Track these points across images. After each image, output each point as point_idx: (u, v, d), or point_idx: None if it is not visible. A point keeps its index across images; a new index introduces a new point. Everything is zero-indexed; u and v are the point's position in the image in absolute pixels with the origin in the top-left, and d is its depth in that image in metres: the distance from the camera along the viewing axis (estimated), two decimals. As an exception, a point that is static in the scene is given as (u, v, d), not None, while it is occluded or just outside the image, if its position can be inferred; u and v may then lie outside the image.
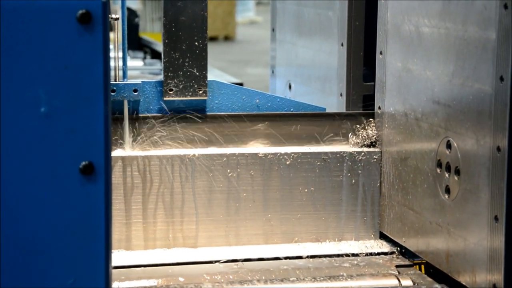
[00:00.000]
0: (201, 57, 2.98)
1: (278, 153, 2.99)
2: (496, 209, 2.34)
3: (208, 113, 3.02)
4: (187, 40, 2.96)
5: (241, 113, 3.04)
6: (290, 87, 4.02)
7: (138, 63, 6.78)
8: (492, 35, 2.34)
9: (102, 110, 1.94)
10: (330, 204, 3.04)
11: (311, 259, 2.93)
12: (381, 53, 3.01)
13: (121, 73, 2.95)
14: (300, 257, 2.94)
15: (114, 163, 2.86)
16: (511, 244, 2.31)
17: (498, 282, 2.35)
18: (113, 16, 2.82)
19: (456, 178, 2.54)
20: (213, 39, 20.48)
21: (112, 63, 2.79)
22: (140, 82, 2.97)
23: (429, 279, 2.75)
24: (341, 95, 3.40)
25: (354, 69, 3.36)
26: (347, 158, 3.03)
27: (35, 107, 1.92)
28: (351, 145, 3.08)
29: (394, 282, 2.74)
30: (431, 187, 2.69)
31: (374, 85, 3.08)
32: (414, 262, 2.88)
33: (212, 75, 3.14)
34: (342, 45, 3.39)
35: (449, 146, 2.58)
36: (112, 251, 2.36)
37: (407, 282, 2.74)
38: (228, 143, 3.02)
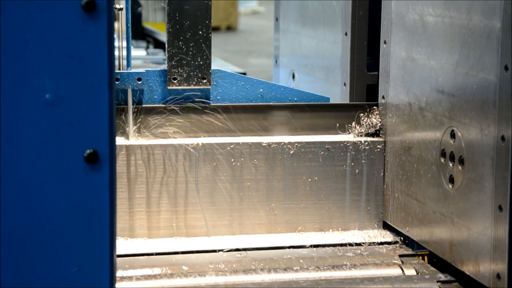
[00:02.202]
0: (205, 46, 2.98)
1: (281, 142, 2.99)
2: (500, 198, 2.34)
3: (212, 103, 3.03)
4: (191, 29, 2.96)
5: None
6: (293, 76, 4.02)
7: (141, 52, 6.78)
8: (497, 24, 2.33)
9: (107, 99, 1.94)
10: (334, 194, 3.04)
11: (314, 249, 2.93)
12: (385, 42, 3.01)
13: (124, 62, 2.95)
14: (303, 247, 2.94)
15: (118, 152, 2.87)
16: (515, 233, 2.32)
17: (501, 272, 2.35)
18: (117, 6, 2.82)
19: (460, 167, 2.54)
20: (216, 29, 20.46)
21: (116, 53, 2.79)
22: (144, 71, 2.97)
23: (433, 268, 2.75)
24: (344, 84, 3.40)
25: (358, 58, 3.36)
26: (350, 147, 3.03)
27: (40, 96, 1.92)
28: (355, 135, 3.08)
29: (398, 271, 2.74)
30: (435, 176, 2.69)
31: (378, 75, 3.08)
32: (417, 253, 2.88)
33: (216, 65, 3.13)
34: (346, 34, 3.39)
35: (453, 135, 2.58)
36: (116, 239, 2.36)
37: (410, 271, 2.74)
38: (232, 132, 3.02)
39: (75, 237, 1.97)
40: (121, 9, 2.86)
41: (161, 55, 6.56)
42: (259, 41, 18.52)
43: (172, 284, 2.60)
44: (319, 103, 3.12)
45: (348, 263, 2.78)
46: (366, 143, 3.04)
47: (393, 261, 2.82)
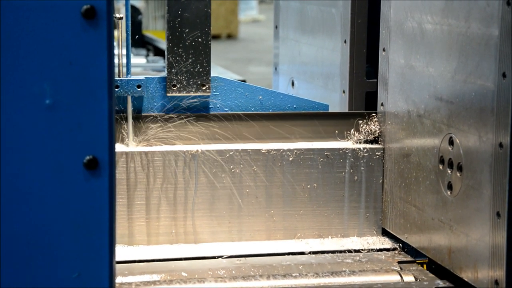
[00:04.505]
0: (205, 53, 2.99)
1: (281, 149, 3.00)
2: (498, 205, 2.35)
3: (211, 112, 3.04)
4: (190, 36, 2.97)
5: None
6: (293, 84, 4.03)
7: (141, 60, 6.79)
8: (495, 31, 2.35)
9: (106, 105, 1.95)
10: (333, 201, 3.05)
11: (313, 255, 2.94)
12: (384, 50, 3.02)
13: (124, 69, 2.97)
14: (302, 253, 2.95)
15: (117, 159, 2.87)
16: (513, 240, 2.33)
17: (500, 278, 2.36)
18: (117, 15, 2.83)
19: (458, 174, 2.55)
20: (216, 37, 20.47)
21: (115, 60, 2.79)
22: (144, 78, 2.98)
23: (431, 275, 2.76)
24: (344, 92, 3.41)
25: (357, 66, 3.37)
26: (349, 154, 3.04)
27: (39, 102, 1.93)
28: (354, 142, 3.09)
29: (396, 278, 2.74)
30: (434, 183, 2.70)
31: (377, 82, 3.09)
32: (417, 261, 2.88)
33: (215, 72, 3.14)
34: (345, 42, 3.40)
35: (451, 142, 2.59)
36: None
37: (409, 278, 2.74)
38: (231, 139, 3.03)
39: (74, 243, 1.98)
40: (121, 18, 2.87)
41: (161, 62, 6.58)
42: (259, 49, 18.53)
43: (171, 291, 2.61)
44: (318, 111, 3.13)
45: (347, 270, 2.79)
46: (365, 150, 3.05)
47: (392, 267, 2.83)
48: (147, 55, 7.17)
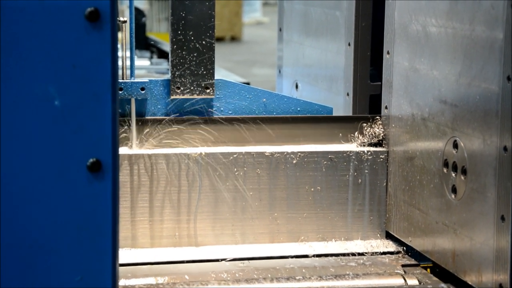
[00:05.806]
0: (208, 55, 2.99)
1: (284, 152, 2.99)
2: (503, 208, 2.34)
3: (214, 114, 3.03)
4: (194, 38, 2.97)
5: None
6: (297, 86, 4.03)
7: (145, 62, 6.80)
8: (500, 34, 2.34)
9: (110, 108, 1.94)
10: (337, 204, 3.05)
11: (317, 258, 2.94)
12: (388, 52, 3.01)
13: (128, 72, 2.96)
14: (306, 256, 2.94)
15: (121, 161, 2.87)
16: (518, 243, 2.32)
17: (504, 282, 2.35)
18: (121, 18, 2.83)
19: (462, 177, 2.55)
20: (220, 39, 20.48)
21: (119, 62, 2.80)
22: (148, 80, 2.98)
23: (435, 278, 2.75)
24: (348, 94, 3.40)
25: (361, 68, 3.36)
26: (353, 157, 3.03)
27: (43, 105, 1.92)
28: (358, 145, 3.08)
29: (400, 281, 2.74)
30: (438, 186, 2.69)
31: (381, 85, 3.09)
32: (421, 265, 2.88)
33: (219, 75, 3.14)
34: (349, 44, 3.40)
35: (455, 145, 2.58)
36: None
37: (413, 281, 2.74)
38: (234, 142, 3.02)
39: (77, 246, 1.98)
40: (125, 21, 2.87)
41: (165, 65, 6.59)
42: (263, 51, 18.54)
43: (174, 293, 2.61)
44: (322, 115, 3.12)
45: (350, 273, 2.78)
46: (369, 153, 3.04)
47: (396, 271, 2.82)
48: (151, 58, 7.18)
